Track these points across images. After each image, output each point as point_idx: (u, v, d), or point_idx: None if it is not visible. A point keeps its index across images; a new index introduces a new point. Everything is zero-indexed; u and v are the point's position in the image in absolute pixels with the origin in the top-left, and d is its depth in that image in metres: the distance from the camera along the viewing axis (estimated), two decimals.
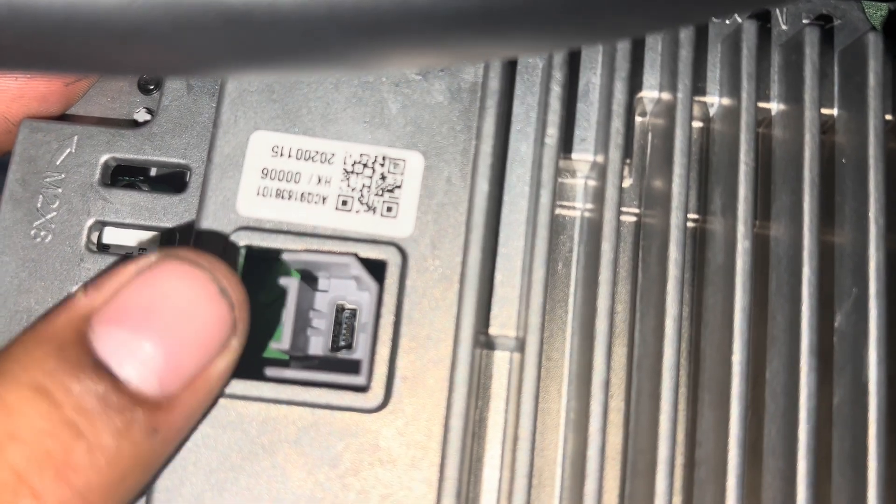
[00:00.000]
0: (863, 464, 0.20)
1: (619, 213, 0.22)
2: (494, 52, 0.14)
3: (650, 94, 0.24)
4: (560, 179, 0.24)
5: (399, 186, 0.23)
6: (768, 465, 0.22)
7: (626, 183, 0.24)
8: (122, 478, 0.18)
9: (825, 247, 0.23)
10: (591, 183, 0.24)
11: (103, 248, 0.25)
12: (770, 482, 0.21)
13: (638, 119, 0.25)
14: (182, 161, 0.25)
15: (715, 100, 0.24)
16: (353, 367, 0.22)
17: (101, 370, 0.18)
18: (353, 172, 0.23)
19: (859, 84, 0.22)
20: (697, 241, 0.24)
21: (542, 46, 0.15)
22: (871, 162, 0.21)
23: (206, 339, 0.19)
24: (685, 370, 0.23)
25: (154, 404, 0.18)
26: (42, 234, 0.25)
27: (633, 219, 0.24)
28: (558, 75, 0.22)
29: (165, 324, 0.18)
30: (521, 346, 0.22)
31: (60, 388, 0.17)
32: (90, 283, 0.19)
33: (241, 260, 0.23)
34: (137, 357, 0.18)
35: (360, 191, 0.23)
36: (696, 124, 0.25)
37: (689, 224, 0.24)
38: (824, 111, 0.24)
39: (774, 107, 0.24)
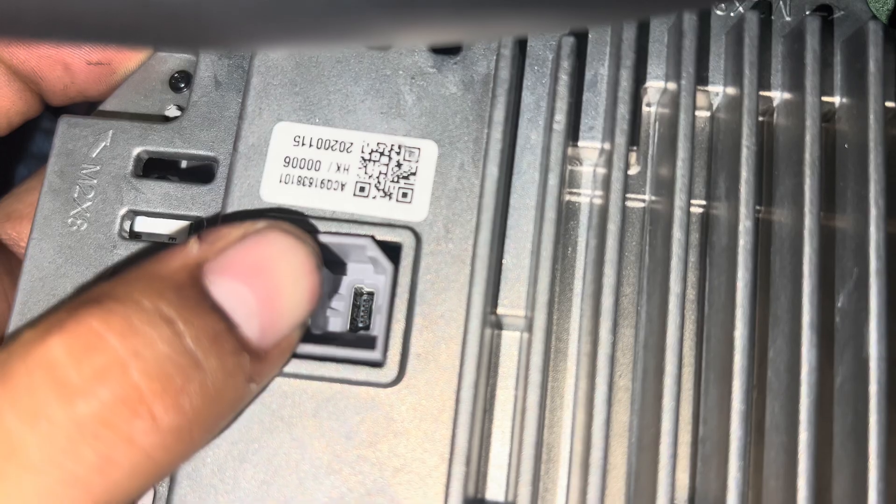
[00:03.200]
0: (864, 437, 0.21)
1: (625, 196, 0.22)
2: (523, 24, 0.14)
3: (656, 83, 0.25)
4: (570, 167, 0.25)
5: (414, 173, 0.24)
6: (771, 440, 0.22)
7: (634, 170, 0.25)
8: (220, 417, 0.19)
9: (829, 231, 0.24)
10: (600, 170, 0.25)
11: (135, 236, 0.26)
12: (773, 457, 0.22)
13: (646, 109, 0.25)
14: (210, 153, 0.26)
15: (720, 89, 0.24)
16: (369, 343, 0.23)
17: (218, 312, 0.19)
18: (370, 160, 0.24)
19: (860, 71, 0.23)
20: (704, 227, 0.25)
21: (562, 20, 0.15)
22: (872, 145, 0.22)
23: (300, 305, 0.20)
24: (691, 350, 0.24)
25: (255, 353, 0.19)
26: (78, 222, 0.26)
27: (641, 205, 0.25)
28: (566, 65, 0.23)
29: (273, 283, 0.19)
30: (529, 325, 0.22)
31: (183, 319, 0.18)
32: (201, 236, 0.20)
33: None
34: (247, 307, 0.19)
35: (377, 178, 0.24)
36: (703, 114, 0.25)
37: (697, 210, 0.25)
38: (828, 100, 0.24)
39: (778, 95, 0.24)
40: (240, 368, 0.19)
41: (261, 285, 0.19)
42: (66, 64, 0.25)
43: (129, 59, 0.26)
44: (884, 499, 0.20)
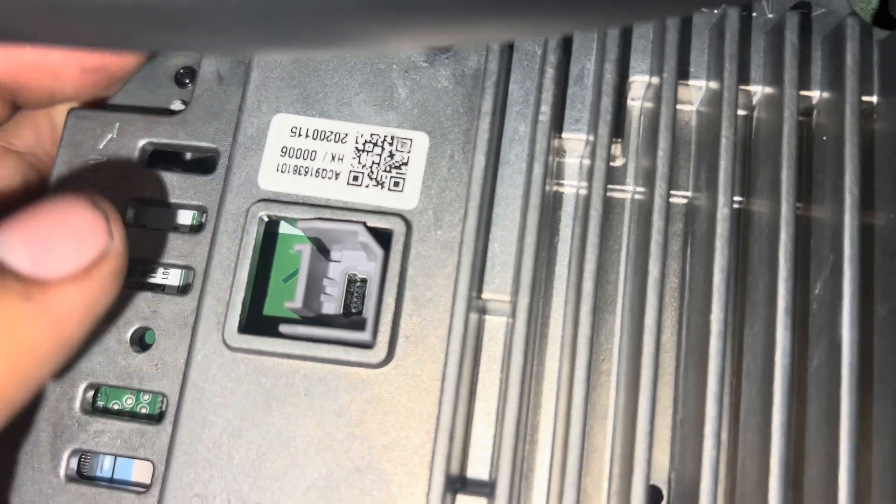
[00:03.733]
0: (836, 419, 0.21)
1: (607, 185, 0.23)
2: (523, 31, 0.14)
3: (641, 78, 0.25)
4: (558, 159, 0.26)
5: (406, 163, 0.25)
6: (748, 422, 0.23)
7: (620, 162, 0.26)
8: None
9: (809, 221, 0.25)
10: (586, 162, 0.25)
11: (140, 225, 0.27)
12: (749, 438, 0.22)
13: (632, 103, 0.26)
14: (212, 145, 0.27)
15: (703, 83, 0.25)
16: (360, 326, 0.24)
17: None
18: (364, 151, 0.25)
19: (839, 66, 0.24)
20: (688, 218, 0.26)
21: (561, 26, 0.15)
22: (847, 137, 0.23)
23: (81, 237, 0.22)
24: (673, 336, 0.24)
25: (26, 278, 0.21)
26: None
27: (627, 196, 0.26)
28: (552, 59, 0.24)
29: (41, 222, 0.22)
30: (514, 310, 0.23)
31: None
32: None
33: (261, 228, 0.25)
34: (12, 245, 0.21)
35: (370, 167, 0.25)
36: (688, 108, 0.26)
37: (681, 201, 0.26)
38: (809, 94, 0.25)
39: (759, 90, 0.25)
40: (4, 287, 0.21)
41: (29, 226, 0.21)
42: (55, 73, 0.25)
43: (125, 65, 0.26)
44: (854, 479, 0.21)
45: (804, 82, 0.25)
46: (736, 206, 0.25)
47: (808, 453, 0.22)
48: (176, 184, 0.27)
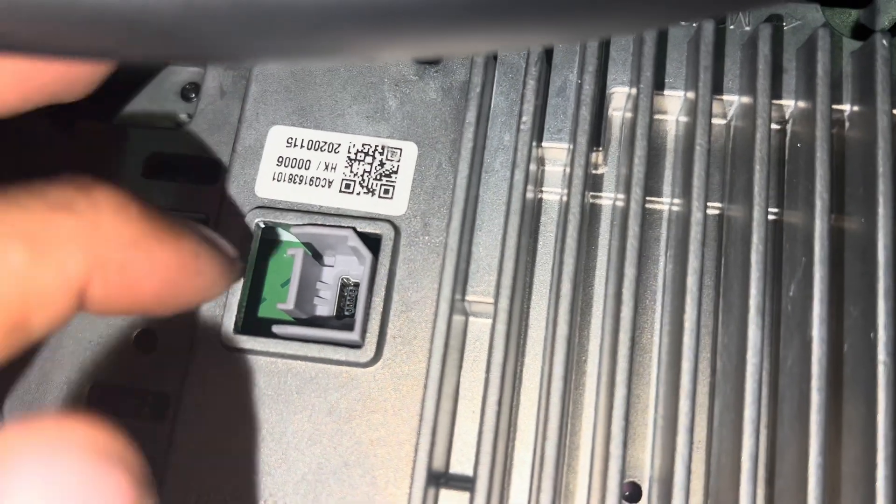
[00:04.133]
0: (806, 414, 0.22)
1: (585, 191, 0.24)
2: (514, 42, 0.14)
3: (621, 89, 0.26)
4: (542, 167, 0.27)
5: (395, 172, 0.26)
6: (723, 420, 0.23)
7: (602, 170, 0.27)
8: None
9: (785, 225, 0.25)
10: (568, 170, 0.26)
11: None
12: (724, 435, 0.23)
13: (615, 114, 0.27)
14: (214, 156, 0.29)
15: (680, 94, 0.26)
16: (350, 327, 0.25)
17: None
18: (355, 160, 0.27)
19: (811, 75, 0.25)
20: (668, 224, 0.26)
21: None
22: (818, 143, 0.24)
23: None
24: (653, 336, 0.25)
25: None
26: None
27: (609, 202, 0.27)
28: (533, 70, 0.25)
29: (42, 475, 0.15)
30: (495, 311, 0.24)
31: None
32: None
33: (258, 234, 0.26)
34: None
35: (362, 176, 0.26)
36: (669, 118, 0.27)
37: (662, 208, 0.27)
38: (784, 103, 0.26)
39: (736, 99, 0.26)
40: None
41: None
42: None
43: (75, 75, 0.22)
44: (824, 473, 0.21)
45: (779, 92, 0.26)
46: (715, 211, 0.26)
47: (782, 449, 0.23)
48: (180, 193, 0.28)
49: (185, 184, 0.29)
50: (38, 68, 0.20)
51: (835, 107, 0.25)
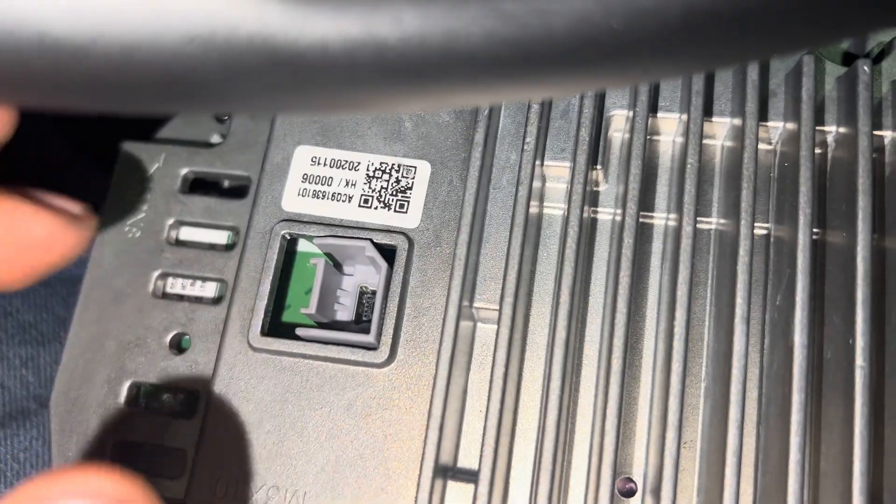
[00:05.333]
0: (788, 413, 0.23)
1: (584, 207, 0.26)
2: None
3: (621, 112, 0.28)
4: (548, 185, 0.29)
5: (410, 188, 0.28)
6: (712, 419, 0.25)
7: (603, 188, 0.29)
8: None
9: (774, 239, 0.27)
10: (569, 187, 0.28)
11: (180, 244, 0.31)
12: (713, 434, 0.25)
13: (615, 134, 0.29)
14: (245, 173, 0.31)
15: (675, 116, 0.28)
16: (367, 331, 0.27)
17: None
18: (374, 177, 0.29)
19: (797, 99, 0.26)
20: (665, 238, 0.28)
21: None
22: (803, 161, 0.25)
23: None
24: (650, 341, 0.27)
25: None
26: (133, 230, 0.31)
27: (609, 218, 0.29)
28: None
29: None
30: (499, 317, 0.26)
31: None
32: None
33: (283, 245, 0.28)
34: None
35: (379, 191, 0.29)
36: (665, 138, 0.29)
37: (659, 223, 0.28)
38: (774, 124, 0.28)
39: (727, 121, 0.28)
40: None
41: None
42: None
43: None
44: (803, 470, 0.23)
45: (769, 115, 0.27)
46: (708, 225, 0.28)
47: (767, 448, 0.24)
48: (213, 207, 0.31)
49: (217, 198, 0.31)
50: None
51: (820, 128, 0.27)
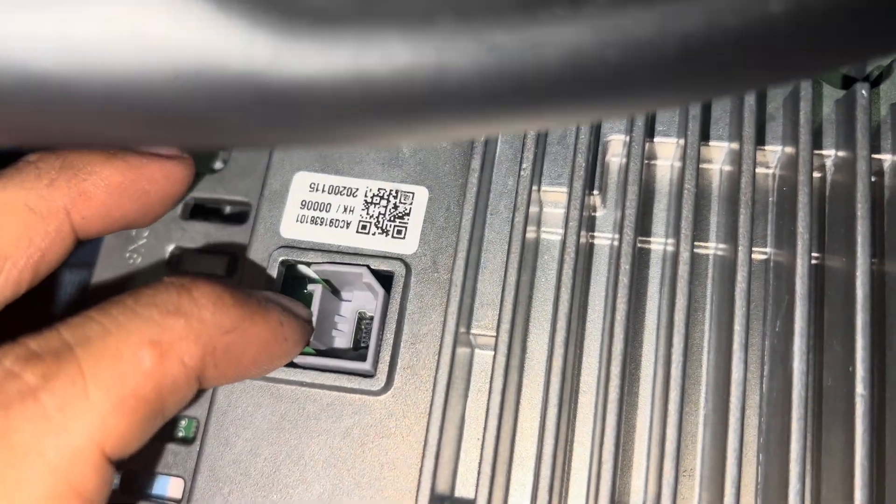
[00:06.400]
0: (787, 441, 0.23)
1: (580, 232, 0.26)
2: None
3: (618, 137, 0.28)
4: (545, 210, 0.29)
5: (408, 214, 0.28)
6: (711, 448, 0.25)
7: (601, 213, 0.29)
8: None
9: (772, 266, 0.27)
10: (566, 212, 0.28)
11: (181, 270, 0.31)
12: (712, 463, 0.25)
13: (613, 159, 0.29)
14: (245, 199, 0.31)
15: (673, 140, 0.28)
16: (364, 358, 0.27)
17: None
18: (371, 203, 0.29)
19: (795, 123, 0.26)
20: (664, 264, 0.28)
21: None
22: (801, 186, 0.25)
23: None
24: (649, 368, 0.27)
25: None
26: (134, 256, 0.31)
27: (607, 243, 0.28)
28: None
29: None
30: (496, 343, 0.26)
31: None
32: None
33: (282, 271, 0.28)
34: None
35: (377, 217, 0.29)
36: (664, 163, 0.29)
37: (657, 248, 0.28)
38: (772, 148, 0.27)
39: (725, 146, 0.28)
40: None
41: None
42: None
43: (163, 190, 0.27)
44: (802, 499, 0.23)
45: (767, 139, 0.27)
46: (707, 251, 0.28)
47: (766, 476, 0.24)
48: (213, 233, 0.31)
49: (217, 224, 0.31)
50: (120, 201, 0.25)
51: (819, 152, 0.27)
